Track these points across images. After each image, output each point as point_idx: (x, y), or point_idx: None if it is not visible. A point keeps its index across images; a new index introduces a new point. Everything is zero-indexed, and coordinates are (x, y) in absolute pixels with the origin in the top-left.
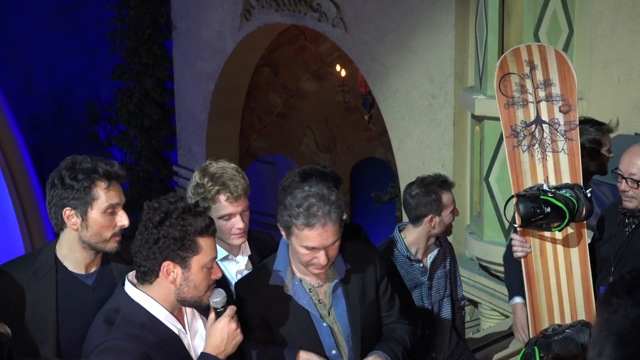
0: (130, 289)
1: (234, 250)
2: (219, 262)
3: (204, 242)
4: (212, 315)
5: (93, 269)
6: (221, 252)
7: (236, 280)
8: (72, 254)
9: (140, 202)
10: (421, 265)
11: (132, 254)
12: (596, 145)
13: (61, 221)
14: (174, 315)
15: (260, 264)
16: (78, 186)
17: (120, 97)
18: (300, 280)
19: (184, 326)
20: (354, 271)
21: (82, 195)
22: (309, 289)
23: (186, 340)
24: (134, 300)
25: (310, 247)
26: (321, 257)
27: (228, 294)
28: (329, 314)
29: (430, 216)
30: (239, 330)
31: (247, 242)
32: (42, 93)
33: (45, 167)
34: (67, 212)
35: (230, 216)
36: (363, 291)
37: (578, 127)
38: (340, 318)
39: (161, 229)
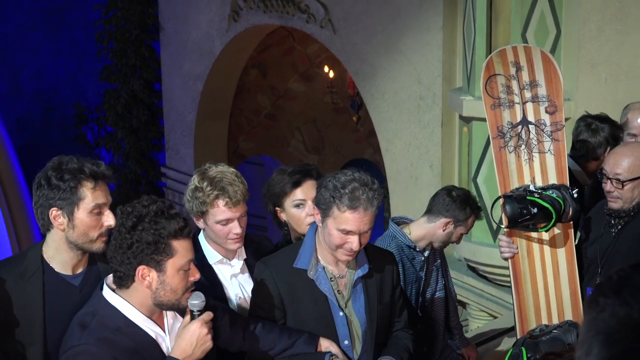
0: (107, 293)
1: (229, 254)
2: (213, 266)
3: (178, 244)
4: (187, 317)
5: (80, 270)
6: (216, 256)
7: (232, 282)
8: (58, 255)
9: (127, 203)
10: (422, 258)
11: (108, 260)
12: (615, 142)
13: (48, 222)
14: (152, 320)
15: (287, 246)
16: (64, 186)
17: (107, 98)
18: (324, 268)
19: (163, 329)
20: (374, 270)
21: (68, 196)
22: (330, 278)
23: (165, 344)
24: (110, 304)
25: (347, 230)
26: (354, 242)
27: (221, 296)
28: (346, 306)
29: (450, 220)
30: (209, 337)
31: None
32: (30, 95)
33: (33, 168)
34: (54, 212)
35: (227, 221)
36: (381, 291)
37: (591, 127)
38: (358, 312)
39: (134, 233)
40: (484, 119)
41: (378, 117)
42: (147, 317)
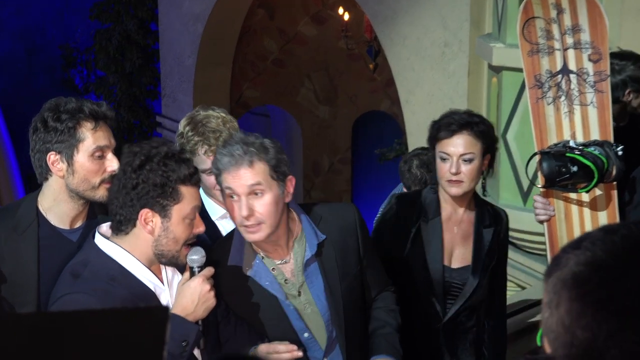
0: (100, 241)
1: None
2: (216, 222)
3: (186, 190)
4: (186, 274)
5: (78, 224)
6: (218, 211)
7: None
8: (57, 206)
9: (119, 155)
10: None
11: (108, 202)
12: (637, 84)
13: (45, 168)
14: (150, 270)
15: (225, 236)
16: (62, 127)
17: (98, 39)
18: (263, 258)
19: (162, 282)
20: (330, 242)
21: (66, 138)
22: (272, 268)
23: (164, 296)
24: (104, 253)
25: (229, 188)
26: (242, 207)
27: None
28: (300, 294)
29: None
30: (212, 294)
31: None
32: (11, 33)
33: (15, 114)
34: (52, 157)
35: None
36: (343, 262)
37: (615, 64)
38: (318, 300)
39: (140, 173)
40: (515, 69)
41: (397, 65)
42: (145, 266)
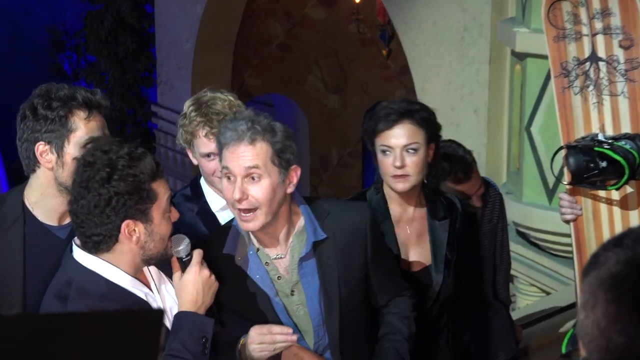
0: (81, 256)
1: None
2: (217, 214)
3: (157, 186)
4: (176, 266)
5: (67, 220)
6: (219, 202)
7: None
8: (44, 201)
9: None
10: None
11: (77, 225)
12: None
13: (33, 159)
14: (138, 279)
15: (227, 222)
16: (53, 116)
17: (89, 21)
18: (257, 250)
19: (150, 288)
20: (333, 242)
21: (57, 127)
22: (266, 262)
23: (155, 303)
24: (87, 269)
25: (225, 167)
26: (235, 189)
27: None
28: (293, 294)
29: None
30: (213, 277)
31: None
32: None
33: None
34: (40, 147)
35: (211, 155)
36: (345, 268)
37: None
38: (311, 301)
39: (110, 186)
40: (540, 56)
41: (413, 50)
42: (133, 276)
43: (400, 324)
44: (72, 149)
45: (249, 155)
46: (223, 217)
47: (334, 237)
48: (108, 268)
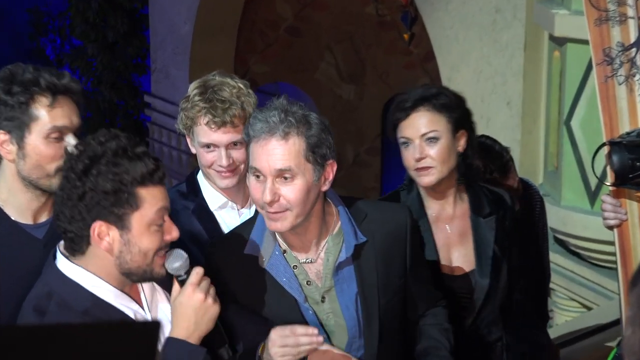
0: (64, 265)
1: (237, 198)
2: (214, 212)
3: (147, 193)
4: (175, 286)
5: (44, 218)
6: (218, 199)
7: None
8: (14, 197)
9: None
10: None
11: (54, 217)
12: None
13: None
14: (125, 294)
15: (247, 219)
16: (12, 102)
17: (74, 1)
18: (284, 252)
19: (141, 305)
20: (373, 246)
21: (17, 114)
22: (294, 265)
23: None
24: (70, 280)
25: (253, 168)
26: (265, 190)
27: None
28: (323, 301)
29: None
30: (209, 301)
31: None
32: None
33: None
34: (0, 136)
35: (211, 146)
36: (385, 276)
37: None
38: (347, 310)
39: (87, 180)
40: (582, 41)
41: (439, 35)
42: (120, 290)
43: (442, 337)
44: (35, 139)
45: (280, 153)
46: (222, 215)
47: (373, 241)
48: (92, 279)
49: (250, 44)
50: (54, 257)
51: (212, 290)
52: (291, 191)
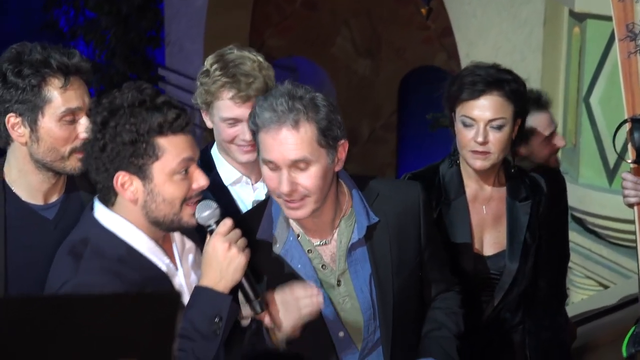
0: (101, 214)
1: (252, 173)
2: (229, 187)
3: (167, 142)
4: (208, 237)
5: (54, 198)
6: (232, 174)
7: None
8: (24, 178)
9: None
10: None
11: (85, 168)
12: None
13: (5, 133)
14: (159, 246)
15: (258, 204)
16: (24, 84)
17: None
18: (298, 236)
19: (173, 261)
20: (386, 226)
21: (29, 97)
22: (309, 249)
23: (177, 280)
24: (106, 229)
25: (267, 160)
26: (282, 181)
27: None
28: (339, 284)
29: None
30: (234, 251)
31: None
32: None
33: None
34: (12, 119)
35: (234, 121)
36: (399, 255)
37: None
38: (361, 293)
39: (106, 131)
40: (603, 17)
41: (457, 10)
42: (154, 242)
43: (446, 319)
44: (48, 122)
45: (293, 143)
46: (237, 191)
47: (385, 220)
48: (127, 227)
49: (265, 17)
50: (91, 207)
51: (240, 242)
52: (308, 178)
